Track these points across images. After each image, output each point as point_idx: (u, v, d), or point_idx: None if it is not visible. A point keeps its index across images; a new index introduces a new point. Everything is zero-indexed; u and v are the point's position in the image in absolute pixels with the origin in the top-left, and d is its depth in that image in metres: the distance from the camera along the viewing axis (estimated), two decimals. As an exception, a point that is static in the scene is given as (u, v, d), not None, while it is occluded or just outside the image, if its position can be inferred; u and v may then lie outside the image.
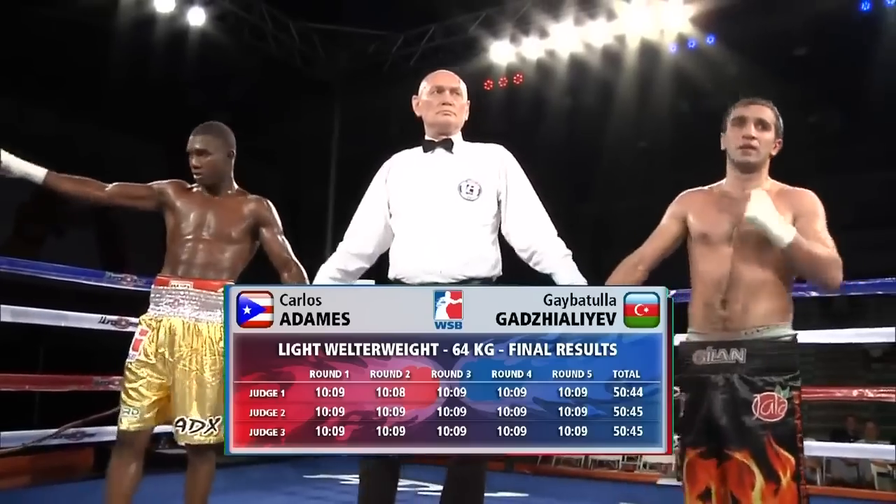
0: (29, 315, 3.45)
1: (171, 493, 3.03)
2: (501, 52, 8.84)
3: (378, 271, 2.48)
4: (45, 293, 4.32)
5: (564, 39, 8.44)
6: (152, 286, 2.59)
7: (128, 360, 2.53)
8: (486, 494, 2.19)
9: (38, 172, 2.54)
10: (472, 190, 2.26)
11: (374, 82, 9.73)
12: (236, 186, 2.69)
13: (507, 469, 5.16)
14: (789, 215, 1.99)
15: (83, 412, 3.44)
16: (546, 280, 2.25)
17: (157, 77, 9.32)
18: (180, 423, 2.48)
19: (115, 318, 3.75)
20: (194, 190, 2.65)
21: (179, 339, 2.49)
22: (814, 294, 4.01)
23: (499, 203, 2.32)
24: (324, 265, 2.43)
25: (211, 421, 2.49)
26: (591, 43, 8.39)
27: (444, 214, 2.24)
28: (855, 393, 3.82)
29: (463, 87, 2.40)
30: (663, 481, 5.26)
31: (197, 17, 8.11)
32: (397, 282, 2.27)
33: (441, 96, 2.33)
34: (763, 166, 2.11)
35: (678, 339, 2.09)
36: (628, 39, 8.28)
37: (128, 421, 2.48)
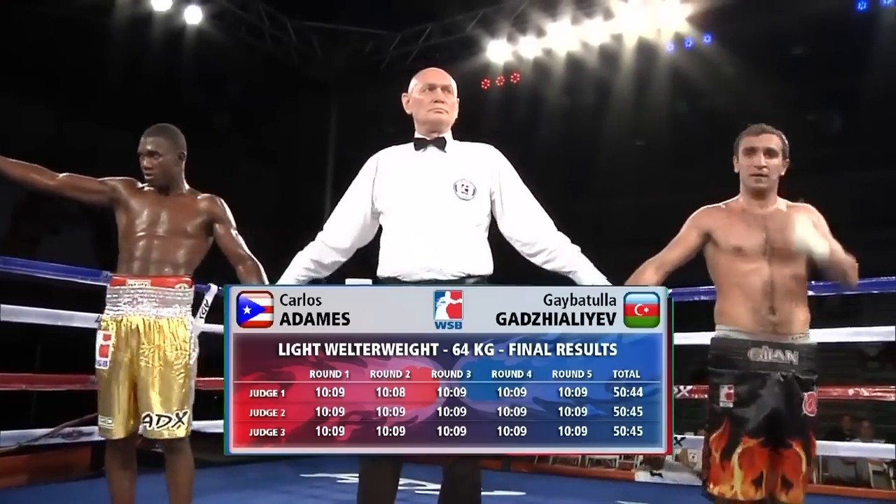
0: (22, 314, 3.42)
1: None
2: (499, 51, 8.85)
3: (364, 268, 2.46)
4: (41, 292, 4.31)
5: (562, 38, 8.45)
6: (108, 286, 2.59)
7: (98, 367, 2.55)
8: (483, 493, 2.19)
9: None
10: (466, 189, 2.25)
11: (371, 81, 9.73)
12: (187, 187, 2.71)
13: (504, 468, 5.16)
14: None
15: (80, 411, 3.44)
16: (547, 279, 2.25)
17: (154, 75, 9.30)
18: (146, 419, 2.50)
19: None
20: (146, 189, 2.66)
21: (142, 337, 2.51)
22: (810, 293, 4.01)
23: (492, 202, 2.31)
24: (299, 253, 2.38)
25: (178, 415, 2.51)
26: (588, 42, 8.41)
27: (441, 214, 2.22)
28: (851, 392, 3.82)
29: (454, 84, 2.35)
30: (642, 478, 5.27)
31: (194, 16, 8.10)
32: (393, 280, 2.25)
33: (433, 94, 2.30)
34: (774, 188, 2.34)
35: (712, 334, 2.33)
36: (625, 38, 8.29)
37: (115, 429, 2.52)
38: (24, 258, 3.72)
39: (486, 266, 2.26)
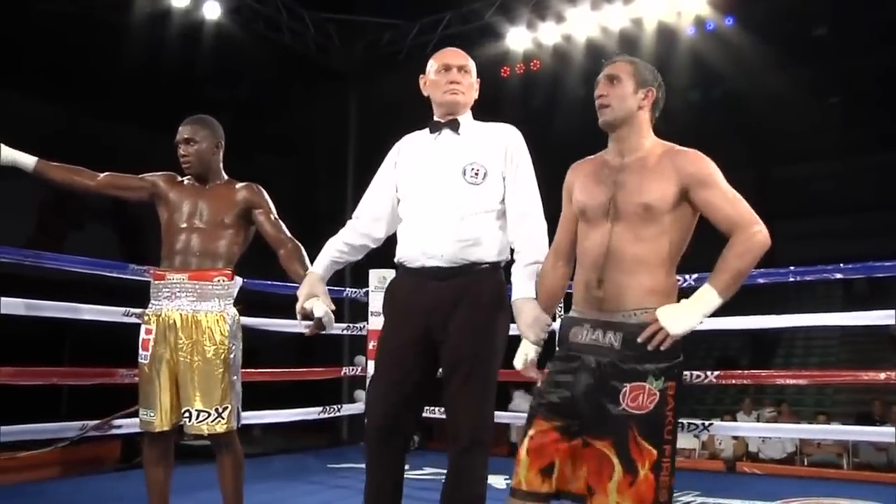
0: (43, 308, 3.39)
1: (202, 484, 3.06)
2: (518, 39, 8.79)
3: (385, 257, 2.43)
4: (69, 287, 4.35)
5: (581, 24, 8.38)
6: (151, 281, 2.60)
7: (140, 360, 2.55)
8: (491, 480, 2.19)
9: (27, 161, 2.54)
10: (476, 174, 2.19)
11: (389, 71, 9.71)
12: (226, 177, 2.69)
13: (511, 454, 5.16)
14: (674, 183, 1.84)
15: (110, 404, 3.47)
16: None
17: (173, 70, 9.35)
18: (186, 415, 2.48)
19: (139, 310, 3.75)
20: (185, 182, 2.66)
21: (179, 332, 2.49)
22: (838, 276, 3.95)
23: (505, 186, 2.24)
24: (332, 238, 2.36)
25: (217, 410, 2.48)
26: (608, 27, 8.32)
27: (447, 198, 2.18)
28: (882, 376, 3.72)
29: (472, 64, 2.31)
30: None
31: (212, 11, 8.13)
32: (401, 266, 2.25)
33: (448, 74, 2.26)
34: (631, 123, 1.92)
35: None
36: (645, 23, 8.19)
37: (153, 423, 2.51)
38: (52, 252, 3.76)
39: (495, 253, 2.20)
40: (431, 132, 2.30)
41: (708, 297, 1.79)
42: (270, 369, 4.68)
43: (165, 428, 2.51)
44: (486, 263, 2.19)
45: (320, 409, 4.74)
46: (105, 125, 10.20)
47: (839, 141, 12.59)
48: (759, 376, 5.64)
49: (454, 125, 2.27)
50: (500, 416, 4.80)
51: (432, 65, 2.31)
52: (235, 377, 2.55)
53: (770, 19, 9.42)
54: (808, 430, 6.70)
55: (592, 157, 2.02)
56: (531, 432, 1.85)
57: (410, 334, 2.18)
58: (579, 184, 1.97)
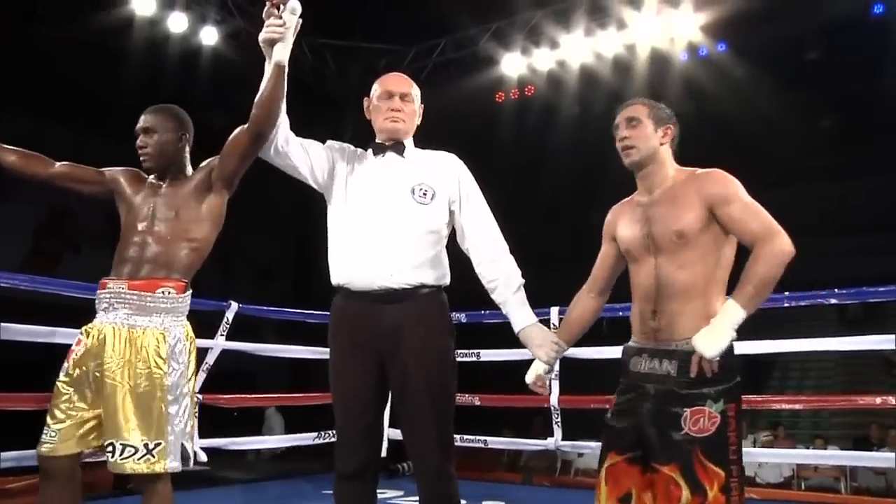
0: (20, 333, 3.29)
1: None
2: (513, 64, 8.86)
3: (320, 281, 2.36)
4: (66, 311, 4.32)
5: (575, 50, 8.46)
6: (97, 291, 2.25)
7: (60, 375, 2.20)
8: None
9: None
10: (424, 194, 2.17)
11: (385, 96, 9.75)
12: (191, 172, 2.34)
13: (525, 481, 5.13)
14: (700, 206, 1.92)
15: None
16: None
17: (173, 95, 9.39)
18: (110, 449, 2.08)
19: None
20: (148, 180, 2.35)
21: (109, 349, 2.12)
22: (832, 301, 3.96)
23: (451, 212, 2.24)
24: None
25: (147, 446, 2.07)
26: (601, 53, 8.40)
27: (396, 217, 2.14)
28: (878, 400, 3.74)
29: (415, 91, 2.29)
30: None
31: (210, 36, 8.19)
32: (343, 289, 2.17)
33: (390, 102, 2.24)
34: (654, 161, 2.03)
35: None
36: (639, 49, 8.28)
37: (44, 444, 2.12)
38: (46, 276, 3.74)
39: (441, 276, 2.19)
40: (375, 154, 2.27)
41: (732, 311, 1.83)
42: (266, 394, 4.66)
43: (63, 453, 2.11)
44: (432, 286, 2.17)
45: (315, 434, 4.71)
46: (105, 148, 10.23)
47: (832, 163, 12.68)
48: (753, 401, 5.61)
49: (399, 148, 2.26)
50: (516, 444, 4.81)
51: (375, 90, 2.30)
52: (176, 408, 2.14)
53: (762, 45, 9.53)
54: (807, 456, 6.66)
55: (626, 199, 2.15)
56: (606, 463, 1.95)
57: (364, 365, 2.14)
58: (620, 225, 2.09)
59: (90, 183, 2.37)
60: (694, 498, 1.79)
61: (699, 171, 2.02)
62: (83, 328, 2.23)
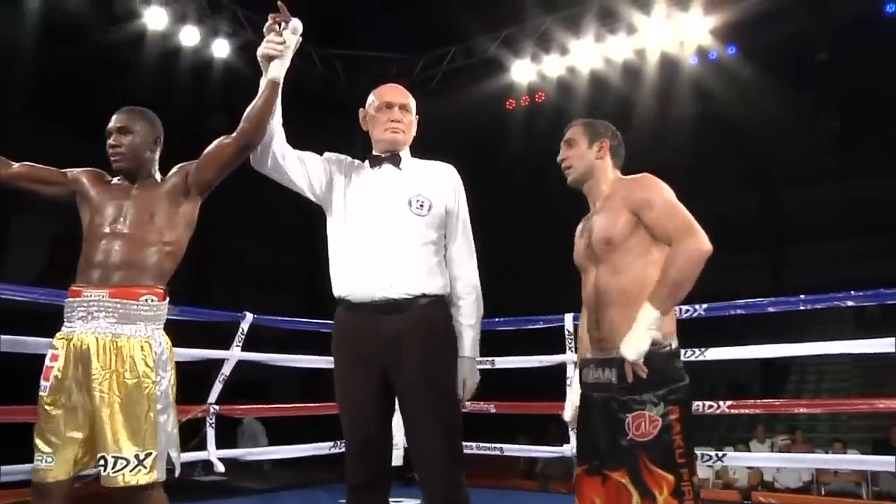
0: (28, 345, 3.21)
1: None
2: (522, 71, 8.86)
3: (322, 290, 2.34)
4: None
5: (585, 56, 8.45)
6: (66, 300, 2.15)
7: (40, 393, 2.10)
8: None
9: None
10: (421, 205, 2.19)
11: (395, 105, 9.79)
12: (160, 177, 2.28)
13: (541, 488, 5.11)
14: (625, 210, 1.96)
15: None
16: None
17: (185, 107, 9.48)
18: (102, 462, 2.03)
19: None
20: (113, 182, 2.27)
21: (95, 359, 2.06)
22: (849, 303, 3.93)
23: (450, 221, 2.26)
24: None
25: (138, 457, 2.03)
26: (611, 58, 8.39)
27: (394, 229, 2.16)
28: (896, 403, 3.70)
29: (412, 102, 2.31)
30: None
31: (221, 49, 8.26)
32: (344, 301, 2.19)
33: (390, 112, 2.26)
34: (592, 175, 2.12)
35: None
36: (648, 53, 8.27)
37: (44, 472, 2.05)
38: (61, 288, 3.75)
39: (442, 285, 2.20)
40: (372, 166, 2.28)
41: (647, 313, 1.85)
42: (280, 404, 4.66)
43: (61, 478, 2.06)
44: (433, 295, 2.18)
45: (331, 443, 4.71)
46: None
47: (840, 164, 12.60)
48: (772, 405, 5.58)
49: (395, 160, 2.27)
50: (532, 451, 4.80)
51: (373, 101, 2.32)
52: (165, 417, 2.10)
53: (772, 47, 9.49)
54: (826, 460, 6.59)
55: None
56: (574, 476, 2.00)
57: (367, 376, 2.15)
58: (576, 241, 2.13)
59: (51, 184, 2.29)
60: (644, 502, 1.82)
61: (628, 177, 2.08)
62: (56, 339, 2.14)
